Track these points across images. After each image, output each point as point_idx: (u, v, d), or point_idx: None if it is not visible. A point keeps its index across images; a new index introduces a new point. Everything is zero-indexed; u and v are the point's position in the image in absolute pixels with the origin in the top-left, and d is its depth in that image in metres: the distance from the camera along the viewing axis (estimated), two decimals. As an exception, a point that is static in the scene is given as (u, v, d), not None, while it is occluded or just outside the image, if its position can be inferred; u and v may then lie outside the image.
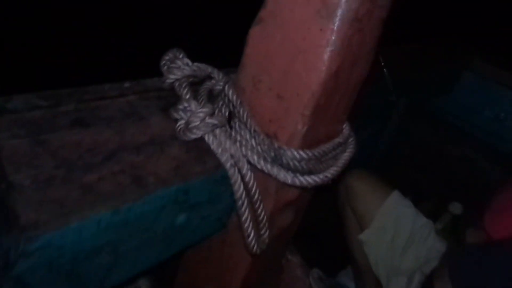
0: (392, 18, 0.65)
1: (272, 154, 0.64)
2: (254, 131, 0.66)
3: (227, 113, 0.71)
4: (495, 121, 2.06)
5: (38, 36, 2.35)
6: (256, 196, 0.67)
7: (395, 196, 1.24)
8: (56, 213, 0.46)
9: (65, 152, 0.55)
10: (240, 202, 0.65)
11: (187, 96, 0.68)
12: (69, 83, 0.70)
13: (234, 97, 0.68)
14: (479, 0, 3.20)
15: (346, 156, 0.74)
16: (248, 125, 0.66)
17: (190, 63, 0.75)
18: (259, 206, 0.68)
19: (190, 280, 0.95)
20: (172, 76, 0.72)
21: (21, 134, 0.54)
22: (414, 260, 1.10)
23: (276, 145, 0.64)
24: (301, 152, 0.65)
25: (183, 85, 0.71)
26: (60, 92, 0.65)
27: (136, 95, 0.73)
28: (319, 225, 1.54)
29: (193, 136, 0.65)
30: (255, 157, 0.65)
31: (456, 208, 1.37)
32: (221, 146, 0.65)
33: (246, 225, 0.66)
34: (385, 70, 1.46)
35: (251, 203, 0.67)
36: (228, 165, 0.64)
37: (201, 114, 0.64)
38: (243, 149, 0.66)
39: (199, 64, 0.78)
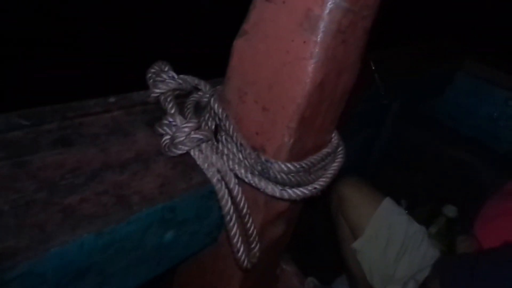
0: (382, 21, 0.65)
1: (260, 167, 0.64)
2: (241, 144, 0.65)
3: (213, 126, 0.70)
4: (489, 121, 2.06)
5: (16, 52, 2.30)
6: (244, 210, 0.66)
7: (387, 203, 1.23)
8: (36, 239, 0.45)
9: (46, 173, 0.54)
10: (228, 217, 0.64)
11: (172, 111, 0.68)
12: (52, 99, 0.69)
13: (220, 110, 0.67)
14: (470, 1, 3.22)
15: (335, 166, 0.74)
16: (235, 139, 0.65)
17: (175, 76, 0.74)
18: (248, 220, 0.67)
19: (184, 294, 0.94)
20: (157, 90, 0.71)
21: (1, 156, 0.53)
22: (407, 268, 1.10)
23: (263, 158, 0.63)
24: (289, 165, 0.64)
25: (168, 99, 0.70)
26: (42, 110, 0.64)
27: (121, 110, 0.72)
28: (314, 232, 1.54)
29: (179, 152, 0.64)
30: (242, 171, 0.64)
31: (450, 210, 1.37)
32: (207, 160, 0.64)
33: (235, 240, 0.65)
34: (376, 74, 1.45)
35: (240, 217, 0.66)
36: (214, 180, 0.63)
37: (186, 129, 0.63)
38: (230, 163, 0.65)
39: (185, 77, 0.77)
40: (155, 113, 0.73)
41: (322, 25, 0.54)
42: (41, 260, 0.45)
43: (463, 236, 0.94)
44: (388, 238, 1.16)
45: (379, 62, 1.46)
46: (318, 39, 0.55)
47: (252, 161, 0.64)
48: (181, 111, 0.71)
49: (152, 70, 0.75)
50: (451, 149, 1.91)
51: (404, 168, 1.99)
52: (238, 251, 0.66)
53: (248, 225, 0.67)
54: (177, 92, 0.75)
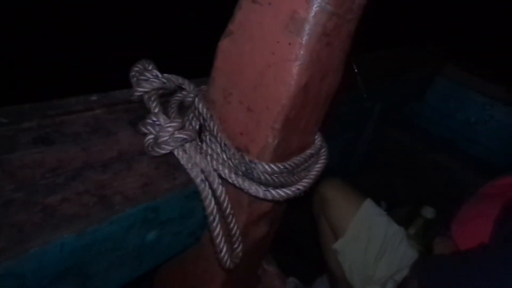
0: (365, 25, 0.66)
1: (243, 168, 0.64)
2: (225, 144, 0.65)
3: (197, 126, 0.70)
4: (467, 125, 2.12)
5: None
6: (228, 210, 0.66)
7: (368, 204, 1.25)
8: (14, 240, 0.44)
9: (26, 172, 0.52)
10: (211, 218, 0.64)
11: (156, 110, 0.67)
12: (32, 97, 0.68)
13: (205, 110, 0.67)
14: (451, 7, 3.30)
15: (318, 167, 0.74)
16: (219, 139, 0.65)
17: (159, 75, 0.74)
18: (232, 220, 0.67)
19: (165, 295, 0.93)
20: (140, 89, 0.71)
21: None
22: (387, 268, 1.11)
23: (247, 159, 0.64)
24: (273, 166, 0.64)
25: (152, 98, 0.69)
26: (22, 107, 0.63)
27: (104, 108, 0.71)
28: (296, 232, 1.54)
29: (162, 152, 0.63)
30: (226, 171, 0.64)
31: (428, 212, 1.40)
32: (191, 161, 0.64)
33: (218, 240, 0.65)
34: (358, 77, 1.47)
35: (224, 218, 0.66)
36: (198, 180, 0.63)
37: (170, 129, 0.62)
38: (214, 163, 0.65)
39: (169, 76, 0.76)
40: (138, 112, 0.72)
41: (307, 28, 0.54)
42: (20, 261, 0.44)
43: (440, 238, 0.96)
44: (368, 239, 1.18)
45: (362, 65, 1.48)
46: (303, 41, 0.55)
47: (236, 161, 0.64)
48: (165, 111, 0.71)
49: (136, 69, 0.74)
50: (430, 152, 1.95)
51: (384, 170, 2.02)
52: (221, 251, 0.66)
53: (232, 225, 0.67)
54: (161, 91, 0.74)
